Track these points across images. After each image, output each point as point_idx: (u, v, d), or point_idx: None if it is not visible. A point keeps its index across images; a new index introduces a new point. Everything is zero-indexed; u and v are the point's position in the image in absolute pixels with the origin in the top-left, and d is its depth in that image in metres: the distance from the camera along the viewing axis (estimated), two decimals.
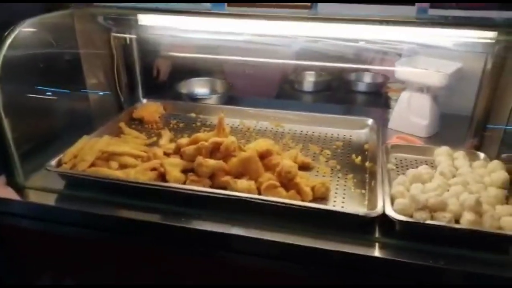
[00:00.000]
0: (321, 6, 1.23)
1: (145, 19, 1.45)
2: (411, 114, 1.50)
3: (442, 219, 0.95)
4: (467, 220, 0.95)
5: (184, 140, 1.30)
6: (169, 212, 1.11)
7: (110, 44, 1.57)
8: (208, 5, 1.31)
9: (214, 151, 1.23)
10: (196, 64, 1.97)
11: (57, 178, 1.24)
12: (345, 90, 2.11)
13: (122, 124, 1.53)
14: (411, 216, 0.98)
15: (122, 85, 1.68)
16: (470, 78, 1.44)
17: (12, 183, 1.24)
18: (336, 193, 1.15)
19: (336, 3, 1.22)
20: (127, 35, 1.59)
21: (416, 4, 1.17)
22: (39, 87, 1.37)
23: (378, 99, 1.98)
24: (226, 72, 2.13)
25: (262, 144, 1.25)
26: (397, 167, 1.25)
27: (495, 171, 1.10)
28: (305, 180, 1.14)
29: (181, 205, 1.12)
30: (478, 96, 1.38)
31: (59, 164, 1.26)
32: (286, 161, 1.15)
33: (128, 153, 1.29)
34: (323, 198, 1.13)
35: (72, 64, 1.47)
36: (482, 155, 1.25)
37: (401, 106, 1.53)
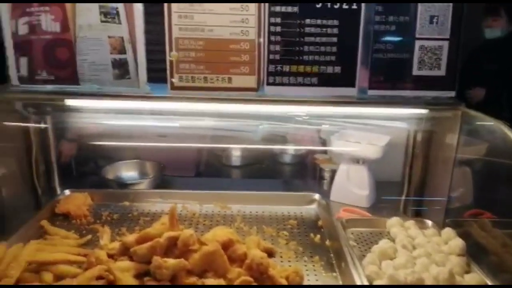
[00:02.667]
0: (268, 88, 1.25)
1: (71, 103, 1.32)
2: (351, 185, 1.56)
3: None
4: None
5: (130, 238, 1.14)
6: None
7: (27, 133, 1.38)
8: (147, 87, 1.25)
9: (170, 247, 1.10)
10: (120, 147, 1.84)
11: None
12: (272, 162, 2.14)
13: (44, 222, 1.31)
14: None
15: (40, 177, 1.47)
16: (396, 149, 1.56)
17: None
18: (308, 280, 1.10)
19: (283, 86, 1.25)
20: (47, 122, 1.43)
21: (357, 85, 1.26)
22: None
23: (305, 170, 2.04)
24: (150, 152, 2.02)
25: (220, 233, 1.16)
26: (357, 243, 1.25)
27: (451, 239, 1.16)
28: (277, 271, 1.07)
29: None
30: (407, 165, 1.50)
31: None
32: (254, 251, 1.07)
33: (64, 260, 1.09)
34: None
35: None
36: (429, 222, 1.32)
37: (341, 178, 1.58)
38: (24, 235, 1.23)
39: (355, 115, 1.44)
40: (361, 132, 1.59)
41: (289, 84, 1.26)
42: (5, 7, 1.14)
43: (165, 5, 1.16)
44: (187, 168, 2.01)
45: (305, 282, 1.08)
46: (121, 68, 1.22)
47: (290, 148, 2.02)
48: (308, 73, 1.25)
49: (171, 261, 1.04)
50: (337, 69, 1.25)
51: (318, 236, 1.29)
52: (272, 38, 1.23)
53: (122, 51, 1.20)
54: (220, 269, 1.06)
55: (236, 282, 1.00)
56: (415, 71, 1.26)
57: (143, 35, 1.20)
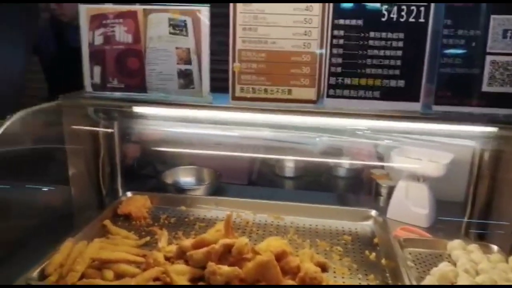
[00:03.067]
0: (328, 101, 1.24)
1: (138, 110, 1.38)
2: (410, 203, 1.50)
3: None
4: None
5: (187, 242, 1.18)
6: None
7: (96, 136, 1.47)
8: (210, 97, 1.29)
9: (224, 254, 1.12)
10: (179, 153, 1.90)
11: None
12: (326, 175, 2.12)
13: (107, 222, 1.38)
14: None
15: (106, 179, 1.55)
16: (460, 167, 1.49)
17: None
18: None
19: (344, 99, 1.24)
20: (114, 127, 1.51)
21: (421, 100, 1.22)
22: (18, 185, 1.23)
23: (361, 185, 2.00)
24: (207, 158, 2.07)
25: (274, 243, 1.16)
26: (415, 264, 1.20)
27: None
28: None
29: None
30: (471, 185, 1.43)
31: (42, 276, 1.09)
32: (307, 264, 1.06)
33: (124, 259, 1.14)
34: None
35: (56, 157, 1.35)
36: (495, 247, 1.25)
37: (399, 195, 1.53)
38: (89, 233, 1.31)
39: (417, 131, 1.39)
40: (423, 149, 1.52)
41: (349, 97, 1.24)
42: (85, 20, 1.23)
43: (231, 17, 1.19)
44: (241, 177, 2.04)
45: None
46: (186, 78, 1.26)
47: (346, 162, 1.99)
48: (370, 87, 1.22)
49: (225, 268, 1.05)
50: (401, 83, 1.22)
51: (374, 254, 1.26)
52: (334, 50, 1.23)
53: (188, 62, 1.25)
54: (273, 280, 1.06)
55: None
56: (485, 87, 1.20)
57: (208, 47, 1.24)
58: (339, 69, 1.23)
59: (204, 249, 1.12)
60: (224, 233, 1.19)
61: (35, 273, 1.09)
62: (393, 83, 1.22)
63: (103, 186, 1.55)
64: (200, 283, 1.06)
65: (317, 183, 2.03)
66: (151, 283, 1.07)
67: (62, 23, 2.03)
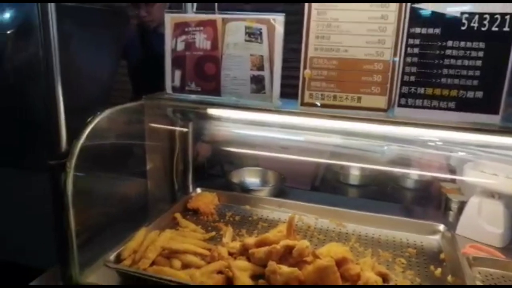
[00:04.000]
0: (398, 110, 1.23)
1: (212, 112, 1.46)
2: (482, 221, 1.43)
3: None
4: None
5: (250, 240, 1.23)
6: None
7: (173, 135, 1.58)
8: (279, 102, 1.33)
9: (285, 255, 1.15)
10: (245, 154, 1.97)
11: (114, 274, 1.16)
12: (392, 186, 2.06)
13: (178, 215, 1.48)
14: None
15: (178, 175, 1.66)
16: None
17: (66, 277, 1.17)
18: None
19: (415, 108, 1.21)
20: (189, 127, 1.61)
21: (501, 112, 1.16)
22: (103, 176, 1.35)
23: (429, 198, 1.92)
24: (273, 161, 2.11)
25: (336, 249, 1.17)
26: (484, 284, 1.15)
27: None
28: None
29: None
30: None
31: (117, 259, 1.20)
32: (368, 273, 1.06)
33: (191, 251, 1.22)
34: None
35: (137, 152, 1.47)
36: None
37: (471, 211, 1.46)
38: (161, 224, 1.41)
39: (494, 145, 1.32)
40: (500, 164, 1.44)
41: (422, 107, 1.21)
42: (170, 27, 1.33)
43: (304, 26, 1.22)
44: (305, 181, 2.06)
45: None
46: (258, 84, 1.32)
47: (415, 173, 1.93)
48: (445, 97, 1.19)
49: (285, 269, 1.08)
50: (479, 94, 1.17)
51: (439, 269, 1.21)
52: (408, 59, 1.20)
53: (261, 68, 1.30)
54: (331, 284, 1.07)
55: None
56: None
57: (281, 54, 1.29)
58: (412, 78, 1.21)
59: (266, 248, 1.16)
60: (286, 234, 1.22)
61: (112, 257, 1.19)
62: (470, 94, 1.18)
63: (176, 182, 1.66)
64: (260, 281, 1.10)
65: (383, 193, 1.99)
66: (214, 275, 1.13)
67: (148, 30, 2.20)
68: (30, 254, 1.46)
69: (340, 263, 1.13)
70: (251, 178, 1.88)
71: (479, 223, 1.43)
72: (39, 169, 1.13)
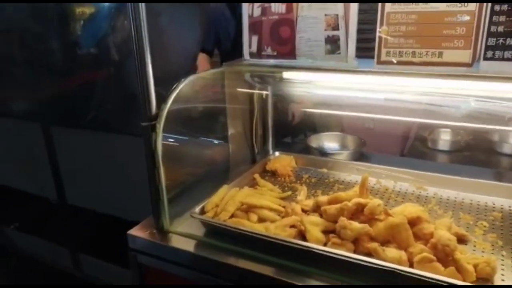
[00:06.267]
0: (484, 63, 1.14)
1: (288, 76, 1.49)
2: None
3: None
4: None
5: (323, 198, 1.26)
6: (311, 274, 1.06)
7: (252, 99, 1.65)
8: (355, 62, 1.31)
9: (356, 213, 1.17)
10: (326, 118, 1.98)
11: (198, 224, 1.28)
12: (487, 151, 1.92)
13: (256, 176, 1.56)
14: None
15: (258, 138, 1.73)
16: None
17: (159, 226, 1.32)
18: (503, 274, 1.00)
19: (504, 61, 1.12)
20: (268, 91, 1.66)
21: None
22: (189, 137, 1.48)
23: None
24: (354, 127, 2.09)
25: (410, 209, 1.16)
26: None
27: None
28: (464, 256, 1.01)
29: (322, 268, 1.07)
30: None
31: (202, 211, 1.32)
32: (442, 232, 1.04)
33: (267, 206, 1.29)
34: (486, 280, 0.98)
35: (218, 116, 1.57)
36: None
37: None
38: (241, 183, 1.50)
39: None
40: None
41: (511, 59, 1.11)
42: None
43: None
44: (387, 146, 2.01)
45: (498, 278, 0.98)
46: (333, 44, 1.31)
47: (507, 135, 1.76)
48: None
49: (356, 224, 1.11)
50: None
51: None
52: (497, 7, 1.11)
53: (336, 28, 1.29)
54: (403, 242, 1.07)
55: (417, 258, 0.99)
56: None
57: (356, 13, 1.26)
58: (500, 28, 1.11)
59: (338, 205, 1.18)
60: (359, 193, 1.23)
61: (197, 209, 1.31)
62: None
63: (256, 145, 1.74)
64: (331, 235, 1.14)
65: (473, 158, 1.85)
66: (287, 228, 1.19)
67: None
68: (131, 211, 1.65)
69: (414, 222, 1.12)
70: (330, 142, 1.89)
71: None
72: (139, 134, 1.27)
